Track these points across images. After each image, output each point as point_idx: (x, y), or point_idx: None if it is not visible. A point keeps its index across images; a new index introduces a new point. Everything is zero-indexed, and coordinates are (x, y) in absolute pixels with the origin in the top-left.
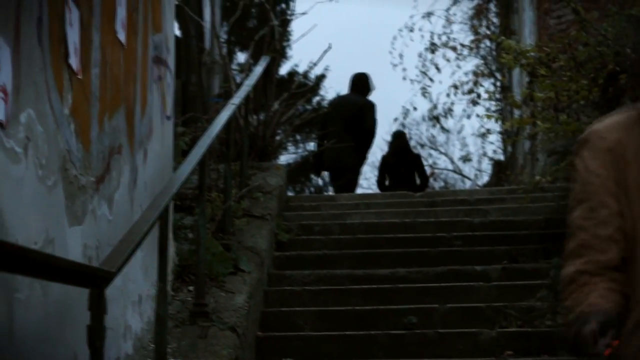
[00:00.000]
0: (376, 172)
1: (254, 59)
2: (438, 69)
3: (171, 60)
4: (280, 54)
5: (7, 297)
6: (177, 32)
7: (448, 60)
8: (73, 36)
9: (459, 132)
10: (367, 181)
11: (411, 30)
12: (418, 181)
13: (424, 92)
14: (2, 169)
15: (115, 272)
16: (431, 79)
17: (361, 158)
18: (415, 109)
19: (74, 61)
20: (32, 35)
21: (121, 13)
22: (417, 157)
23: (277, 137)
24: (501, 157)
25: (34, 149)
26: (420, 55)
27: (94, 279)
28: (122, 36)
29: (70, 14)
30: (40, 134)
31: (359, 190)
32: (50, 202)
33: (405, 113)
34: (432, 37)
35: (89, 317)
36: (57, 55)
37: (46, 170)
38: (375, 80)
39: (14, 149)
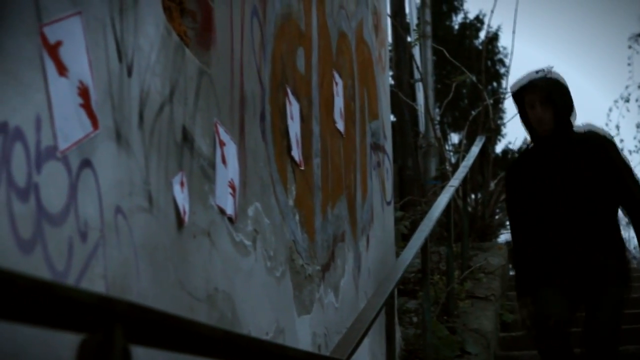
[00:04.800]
0: None
1: (469, 139)
2: None
3: (388, 145)
4: (495, 133)
5: None
6: (392, 117)
7: None
8: (294, 129)
9: None
10: None
11: (627, 100)
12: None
13: None
14: (232, 263)
15: None
16: None
17: None
18: None
19: (296, 153)
20: (255, 131)
21: (339, 103)
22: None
23: (496, 217)
24: None
25: (262, 241)
26: (638, 126)
27: None
28: (340, 125)
29: (290, 107)
30: (267, 226)
31: None
32: (279, 293)
33: None
34: None
35: None
36: (280, 149)
37: (274, 262)
38: None
39: (243, 242)
